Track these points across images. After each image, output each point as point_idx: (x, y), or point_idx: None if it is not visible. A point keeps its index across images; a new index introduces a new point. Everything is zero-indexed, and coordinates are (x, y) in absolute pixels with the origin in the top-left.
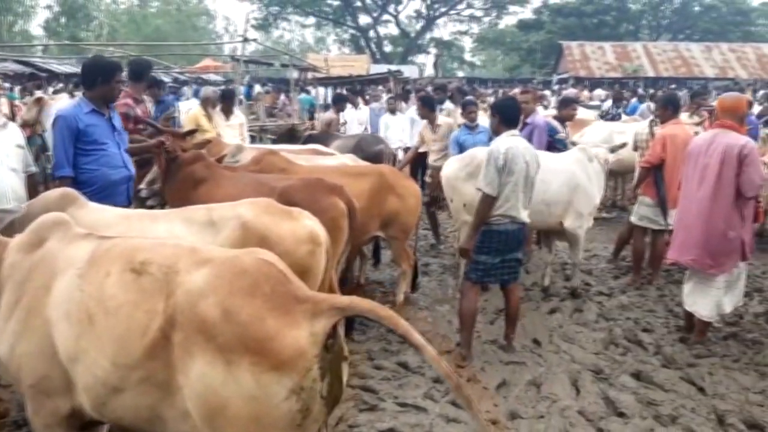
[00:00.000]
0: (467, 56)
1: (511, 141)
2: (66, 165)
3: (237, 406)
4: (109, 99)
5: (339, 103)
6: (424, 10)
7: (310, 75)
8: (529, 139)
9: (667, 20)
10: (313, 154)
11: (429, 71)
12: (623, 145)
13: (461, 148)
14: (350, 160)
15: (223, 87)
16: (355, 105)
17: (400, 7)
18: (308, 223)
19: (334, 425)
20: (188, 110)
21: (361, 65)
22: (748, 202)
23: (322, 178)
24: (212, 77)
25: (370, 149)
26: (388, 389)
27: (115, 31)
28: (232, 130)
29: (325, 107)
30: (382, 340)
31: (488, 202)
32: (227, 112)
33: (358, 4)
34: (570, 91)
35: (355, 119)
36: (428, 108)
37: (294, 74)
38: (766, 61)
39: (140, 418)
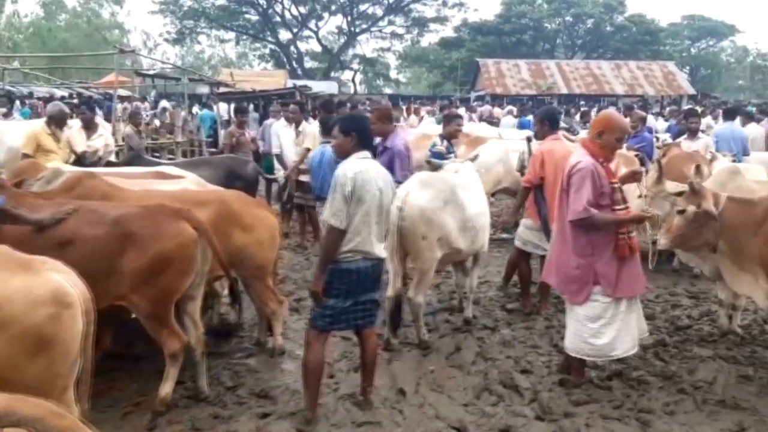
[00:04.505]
0: (393, 73)
1: (361, 164)
2: None
3: None
4: None
5: (240, 115)
6: (345, 27)
7: (221, 90)
8: (390, 167)
9: (581, 40)
10: (158, 177)
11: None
12: (476, 157)
13: None
14: (193, 184)
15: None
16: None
17: (321, 23)
18: (52, 278)
19: None
20: (28, 129)
21: (277, 81)
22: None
23: (164, 203)
24: (121, 93)
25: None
26: None
27: (16, 45)
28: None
29: (227, 123)
30: (214, 404)
31: (336, 235)
32: (89, 129)
33: (278, 19)
34: (485, 108)
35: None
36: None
37: (204, 89)
38: (672, 79)
39: None
